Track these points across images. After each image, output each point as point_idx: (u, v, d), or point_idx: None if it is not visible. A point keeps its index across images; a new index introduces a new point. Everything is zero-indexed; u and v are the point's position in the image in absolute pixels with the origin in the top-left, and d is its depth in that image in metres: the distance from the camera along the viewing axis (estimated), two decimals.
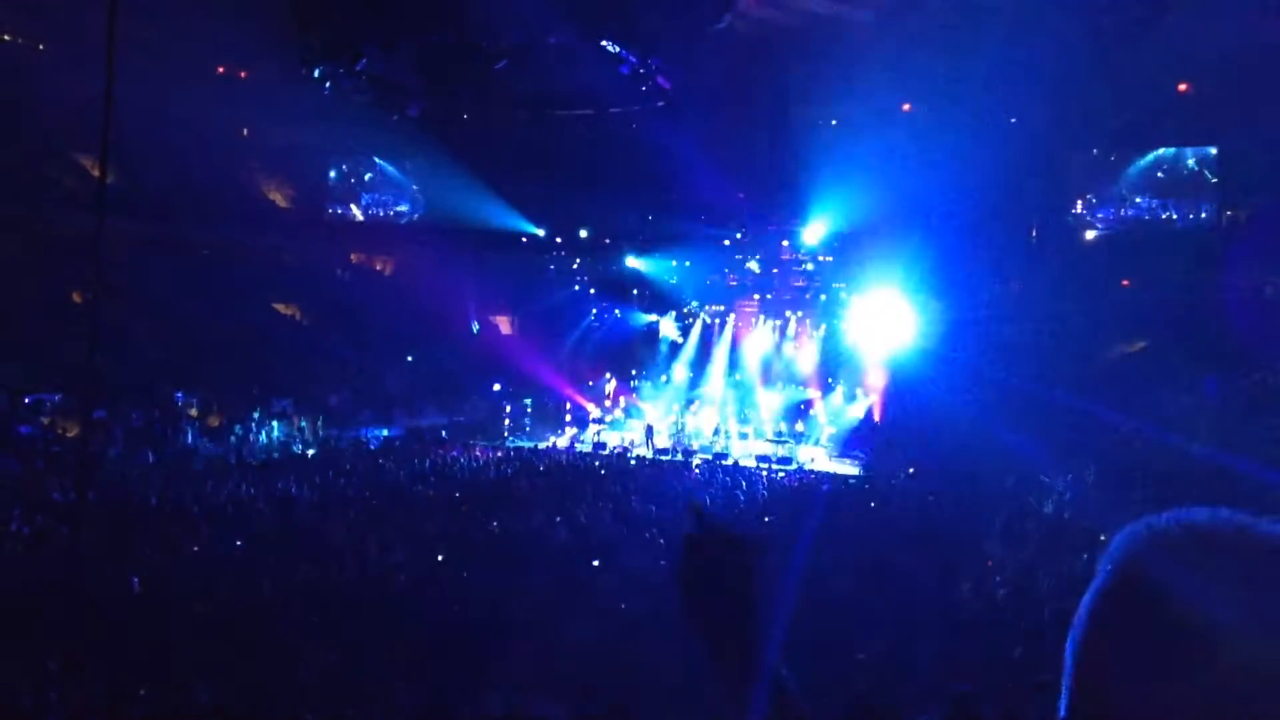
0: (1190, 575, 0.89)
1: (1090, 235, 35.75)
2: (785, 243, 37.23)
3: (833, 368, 36.48)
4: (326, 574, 13.84)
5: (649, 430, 33.43)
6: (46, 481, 20.30)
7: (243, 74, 36.51)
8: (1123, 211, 35.19)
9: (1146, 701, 0.86)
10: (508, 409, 36.33)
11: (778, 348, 37.76)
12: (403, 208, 42.69)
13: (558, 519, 18.04)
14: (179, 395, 29.01)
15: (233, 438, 28.20)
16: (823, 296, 37.11)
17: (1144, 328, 32.27)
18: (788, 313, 37.85)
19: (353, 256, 44.68)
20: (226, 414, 29.44)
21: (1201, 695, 0.84)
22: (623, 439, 33.80)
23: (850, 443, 32.88)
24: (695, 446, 32.37)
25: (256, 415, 29.64)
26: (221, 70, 36.41)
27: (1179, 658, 0.86)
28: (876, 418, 32.89)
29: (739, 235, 37.56)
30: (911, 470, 27.90)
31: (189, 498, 19.07)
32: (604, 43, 23.22)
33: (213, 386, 30.31)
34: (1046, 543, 15.62)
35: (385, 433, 32.44)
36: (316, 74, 25.29)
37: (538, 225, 39.70)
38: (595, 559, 14.88)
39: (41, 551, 14.61)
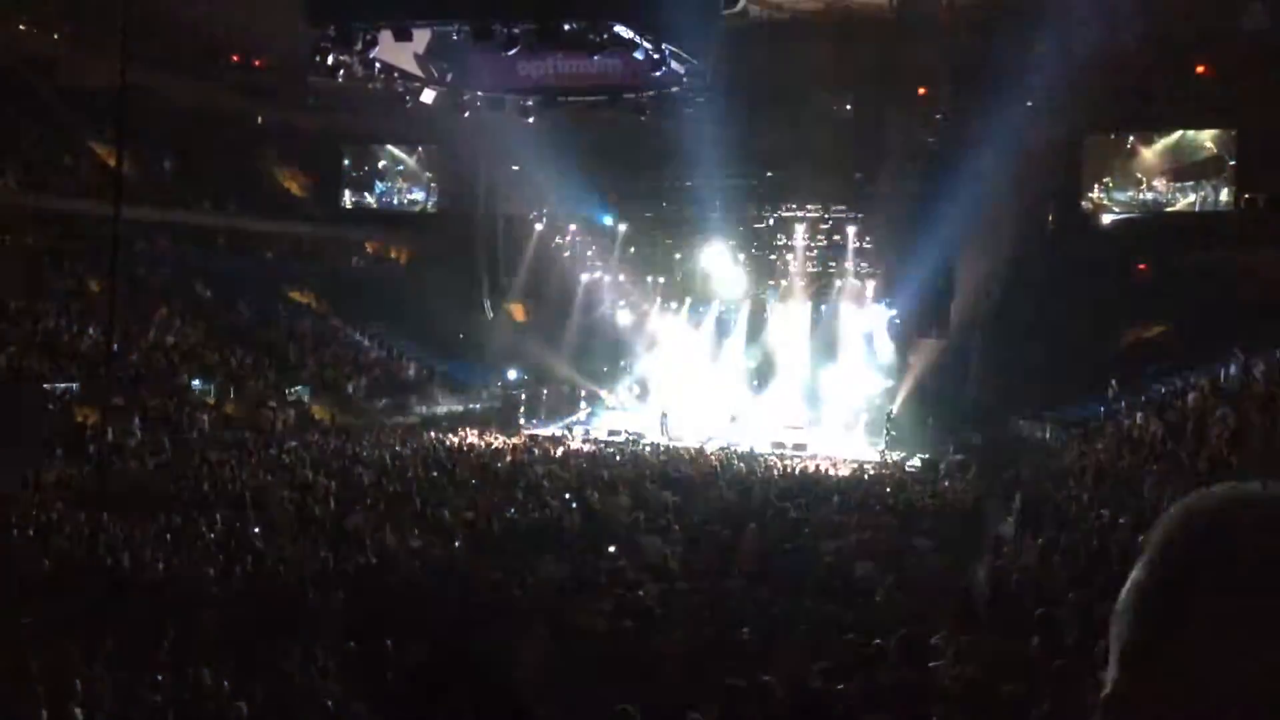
0: (1253, 545, 0.88)
1: (1107, 219, 35.53)
2: (801, 226, 37.09)
3: (851, 353, 36.40)
4: (344, 560, 13.90)
5: (664, 416, 33.41)
6: (67, 468, 20.46)
7: (257, 62, 36.56)
8: (1140, 195, 34.96)
9: (1212, 678, 0.86)
10: (522, 396, 36.38)
11: (794, 333, 37.65)
12: (418, 196, 42.73)
13: (573, 505, 18.07)
14: (196, 382, 29.15)
15: None
16: (838, 282, 36.95)
17: (1161, 311, 32.10)
18: (806, 297, 37.72)
19: (368, 245, 44.79)
20: (243, 402, 29.55)
21: (1271, 669, 0.83)
22: (637, 425, 33.75)
23: (869, 428, 32.83)
24: (711, 432, 32.32)
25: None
26: (236, 59, 36.47)
27: (1242, 631, 0.85)
28: (896, 403, 32.80)
29: (769, 221, 37.41)
30: (928, 455, 27.88)
31: (206, 484, 19.17)
32: (619, 28, 23.17)
33: (229, 374, 30.45)
34: (1063, 527, 15.57)
35: (401, 420, 32.56)
36: (331, 61, 25.32)
37: (554, 210, 39.61)
38: (610, 545, 14.90)
39: (62, 538, 14.72)
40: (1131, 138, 34.93)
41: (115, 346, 20.96)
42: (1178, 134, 34.29)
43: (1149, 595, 0.91)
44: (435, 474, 21.63)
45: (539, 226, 39.93)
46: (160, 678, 9.16)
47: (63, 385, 25.91)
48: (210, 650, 9.86)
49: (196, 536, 15.09)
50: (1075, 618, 8.76)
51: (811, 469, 25.92)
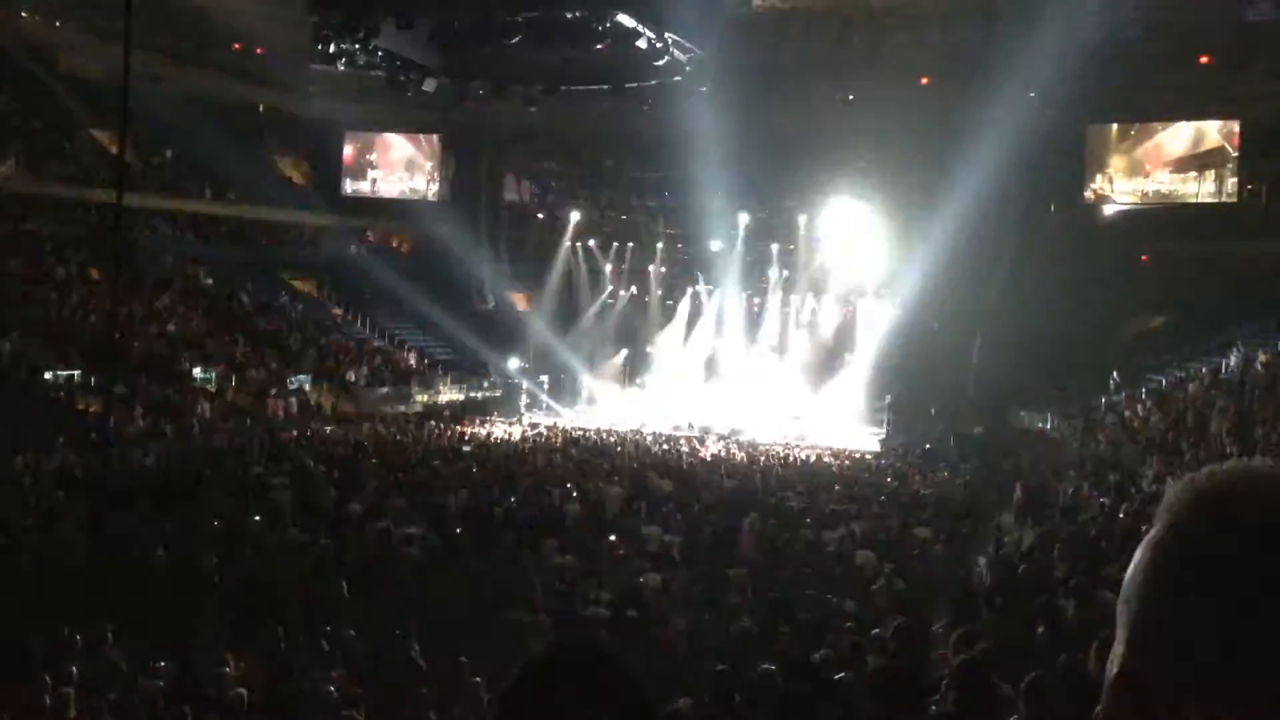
0: (1254, 525, 0.87)
1: (1109, 210, 35.45)
2: (803, 217, 37.06)
3: (852, 344, 36.40)
4: (345, 549, 13.91)
5: (664, 406, 33.42)
6: (68, 456, 20.45)
7: (259, 50, 36.49)
8: (1143, 185, 34.86)
9: (1221, 654, 0.85)
10: (524, 385, 36.40)
11: (795, 325, 37.67)
12: (419, 184, 42.67)
13: (574, 494, 18.07)
14: (197, 371, 29.14)
15: None
16: (840, 273, 36.91)
17: (1163, 302, 32.07)
18: (806, 289, 37.74)
19: (370, 233, 44.76)
20: (244, 390, 29.55)
21: (1271, 651, 0.82)
22: (639, 415, 33.76)
23: (870, 418, 32.82)
24: (710, 423, 32.32)
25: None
26: (238, 46, 36.41)
27: (1247, 611, 0.84)
28: (894, 394, 32.78)
29: (761, 214, 37.38)
30: (928, 445, 27.87)
31: (208, 473, 19.17)
32: (621, 17, 23.15)
33: (231, 362, 30.43)
34: (1064, 517, 15.59)
35: (403, 408, 32.56)
36: (333, 50, 25.28)
37: (555, 201, 39.64)
38: (611, 534, 14.90)
39: (63, 526, 14.74)
40: (1134, 128, 34.82)
41: (117, 335, 20.94)
42: (1181, 124, 34.18)
43: (1158, 572, 0.89)
44: (436, 462, 21.65)
45: (541, 215, 39.90)
46: (161, 665, 9.18)
47: (64, 373, 25.92)
48: (211, 638, 9.87)
49: (198, 525, 15.10)
50: (1075, 607, 8.77)
51: (812, 459, 25.93)
